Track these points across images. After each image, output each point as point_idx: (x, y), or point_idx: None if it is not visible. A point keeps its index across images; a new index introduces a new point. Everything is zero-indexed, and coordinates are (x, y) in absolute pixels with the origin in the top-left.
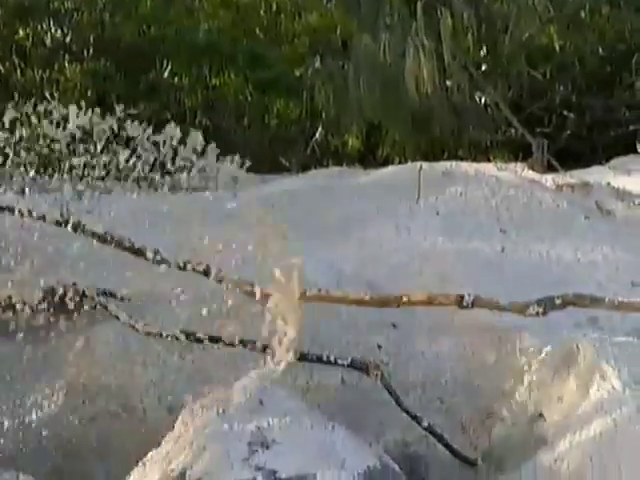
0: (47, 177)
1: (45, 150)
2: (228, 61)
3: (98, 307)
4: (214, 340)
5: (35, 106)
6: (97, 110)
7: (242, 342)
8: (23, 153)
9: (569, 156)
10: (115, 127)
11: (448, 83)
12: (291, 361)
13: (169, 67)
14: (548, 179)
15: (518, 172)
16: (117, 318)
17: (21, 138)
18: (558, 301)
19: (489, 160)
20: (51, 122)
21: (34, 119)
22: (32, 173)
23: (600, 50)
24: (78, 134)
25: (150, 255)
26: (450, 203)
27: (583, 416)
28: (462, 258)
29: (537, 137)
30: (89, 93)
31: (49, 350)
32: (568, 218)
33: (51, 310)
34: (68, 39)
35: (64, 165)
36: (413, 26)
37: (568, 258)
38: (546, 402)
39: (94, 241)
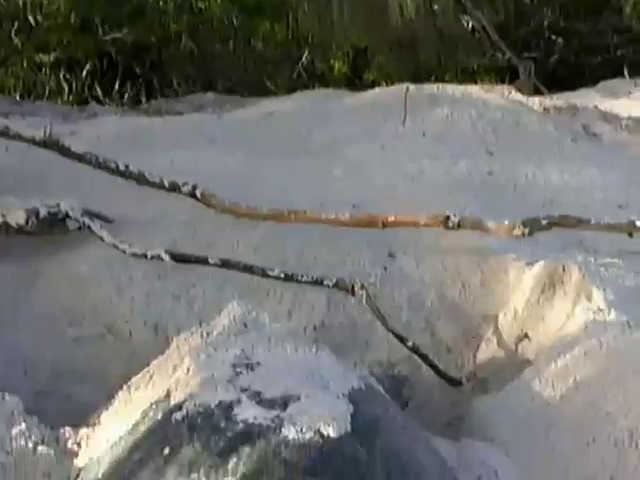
0: (31, 101)
1: (29, 74)
2: None
3: (82, 228)
4: (200, 261)
5: (18, 30)
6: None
7: (227, 263)
8: (7, 77)
9: (556, 80)
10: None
11: (435, 7)
12: None
13: None
14: (535, 102)
15: (505, 95)
16: (101, 239)
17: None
18: (544, 222)
19: (476, 83)
20: (35, 46)
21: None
22: (17, 97)
23: None
24: (62, 58)
25: (135, 176)
26: (437, 125)
27: (568, 336)
28: (448, 180)
29: (524, 61)
30: (72, 17)
31: (32, 272)
32: (555, 141)
33: (35, 232)
34: None
35: (48, 89)
36: None
37: (555, 180)
38: (531, 323)
39: (78, 163)
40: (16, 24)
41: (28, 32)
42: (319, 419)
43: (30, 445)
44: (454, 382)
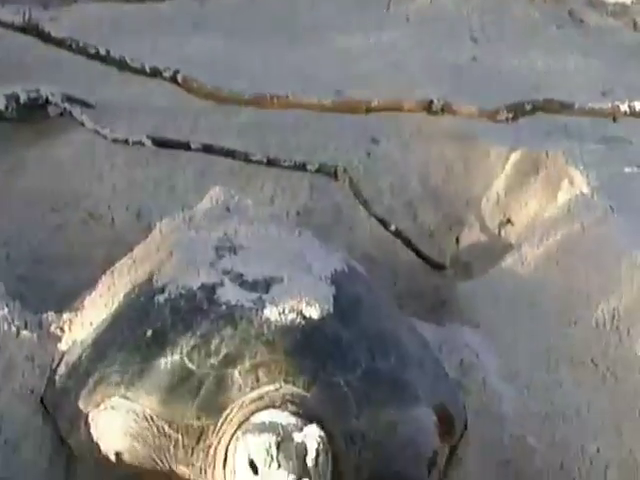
0: None
1: None
2: None
3: (64, 114)
4: (182, 146)
5: None
6: None
7: (209, 148)
8: None
9: None
10: None
11: None
12: None
13: None
14: None
15: None
16: (82, 125)
17: None
18: (528, 107)
19: None
20: None
21: None
22: None
23: None
24: None
25: (116, 62)
26: (421, 10)
27: (551, 220)
28: (432, 66)
29: None
30: None
31: (13, 159)
32: (540, 27)
33: (15, 118)
34: None
35: None
36: None
37: (539, 67)
38: (514, 208)
39: (58, 49)
40: None
41: None
42: (301, 301)
43: (13, 329)
44: (437, 266)
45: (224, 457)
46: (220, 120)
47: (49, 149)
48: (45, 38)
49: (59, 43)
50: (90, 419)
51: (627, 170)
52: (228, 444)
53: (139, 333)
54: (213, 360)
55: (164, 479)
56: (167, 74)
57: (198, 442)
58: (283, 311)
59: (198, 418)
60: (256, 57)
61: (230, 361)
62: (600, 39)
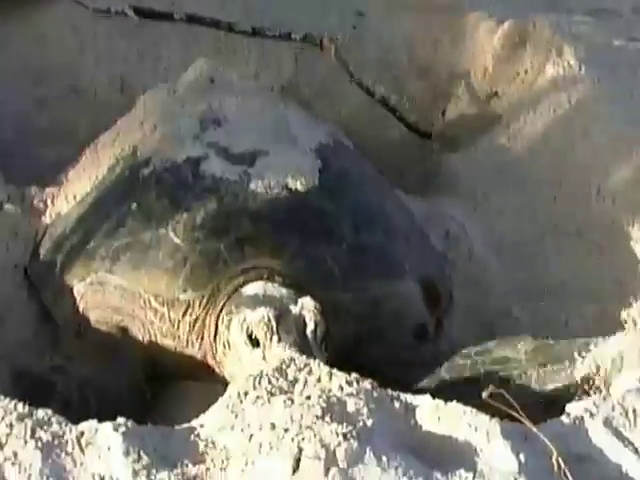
0: None
1: None
2: None
3: None
4: (165, 17)
5: None
6: None
7: (193, 18)
8: None
9: None
10: None
11: None
12: None
13: None
14: None
15: None
16: None
17: None
18: None
19: None
20: None
21: None
22: None
23: None
24: None
25: None
26: None
27: (538, 92)
28: None
29: None
30: None
31: None
32: None
33: None
34: None
35: None
36: None
37: None
38: (502, 80)
39: None
40: None
41: None
42: (287, 174)
43: None
44: (423, 134)
45: (214, 329)
46: None
47: (30, 22)
48: None
49: None
50: (75, 292)
51: (615, 42)
52: (218, 316)
53: (124, 207)
54: (198, 234)
55: (147, 351)
56: None
57: (184, 315)
58: (269, 184)
59: (184, 291)
60: None
61: (215, 235)
62: None
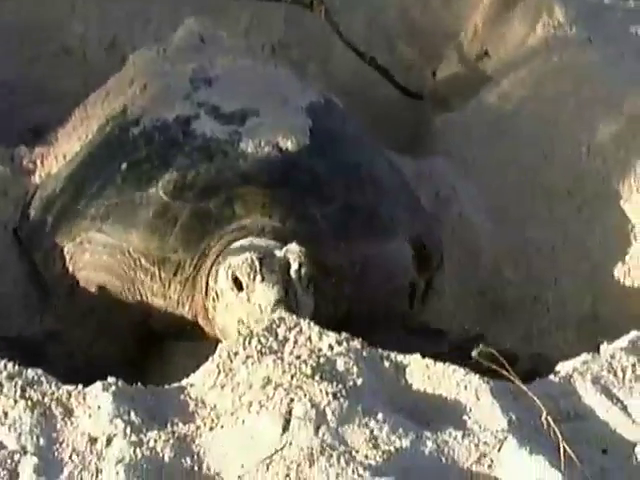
0: None
1: None
2: None
3: None
4: None
5: None
6: None
7: None
8: None
9: None
10: None
11: None
12: None
13: None
14: None
15: None
16: None
17: None
18: None
19: None
20: None
21: None
22: None
23: None
24: None
25: None
26: None
27: (529, 53)
28: None
29: None
30: None
31: None
32: None
33: None
34: None
35: None
36: None
37: None
38: (492, 40)
39: None
40: None
41: None
42: (277, 133)
43: None
44: (414, 95)
45: (205, 288)
46: None
47: None
48: None
49: None
50: (66, 252)
51: (606, 1)
52: (208, 274)
53: (114, 166)
54: (189, 193)
55: (137, 312)
56: None
57: (175, 274)
58: (259, 144)
59: (175, 251)
60: None
61: (206, 194)
62: None
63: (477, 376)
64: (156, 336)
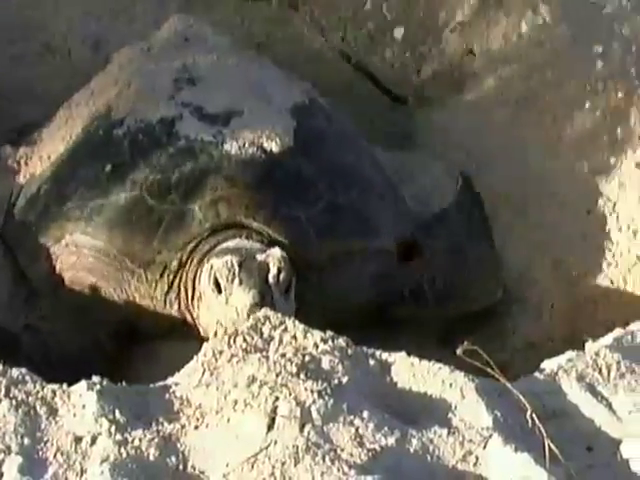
0: None
1: None
2: None
3: None
4: None
5: None
6: None
7: None
8: None
9: None
10: None
11: None
12: None
13: None
14: None
15: None
16: None
17: None
18: None
19: None
20: None
21: None
22: None
23: None
24: None
25: None
26: None
27: (513, 50)
28: None
29: None
30: None
31: None
32: None
33: None
34: None
35: None
36: None
37: None
38: (476, 38)
39: None
40: None
41: None
42: (262, 134)
43: None
44: (398, 99)
45: (192, 288)
46: None
47: None
48: None
49: None
50: (51, 254)
51: None
52: (195, 274)
53: (98, 168)
54: (173, 195)
55: (123, 312)
56: None
57: (161, 276)
58: (243, 145)
59: (159, 253)
60: None
61: (190, 196)
62: None
63: (462, 374)
64: (142, 336)
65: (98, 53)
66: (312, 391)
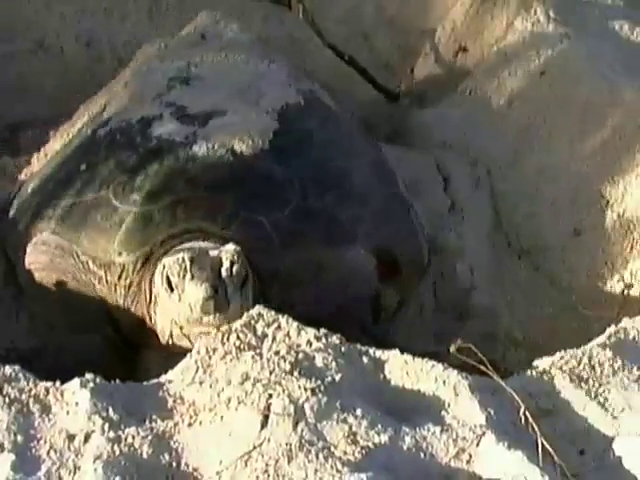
0: None
1: None
2: None
3: None
4: None
5: None
6: None
7: None
8: None
9: None
10: None
11: None
12: None
13: None
14: None
15: None
16: None
17: None
18: None
19: None
20: None
21: None
22: None
23: None
24: None
25: None
26: None
27: (507, 49)
28: None
29: None
30: None
31: None
32: None
33: None
34: None
35: None
36: None
37: None
38: (470, 36)
39: None
40: None
41: None
42: (235, 136)
43: None
44: (392, 96)
45: (148, 292)
46: None
47: None
48: None
49: None
50: (27, 252)
51: None
52: (150, 279)
53: (75, 167)
54: (136, 196)
55: (97, 313)
56: None
57: (120, 279)
58: (213, 146)
59: (119, 254)
60: None
61: (152, 198)
62: None
63: (456, 372)
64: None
65: (91, 50)
66: (305, 389)
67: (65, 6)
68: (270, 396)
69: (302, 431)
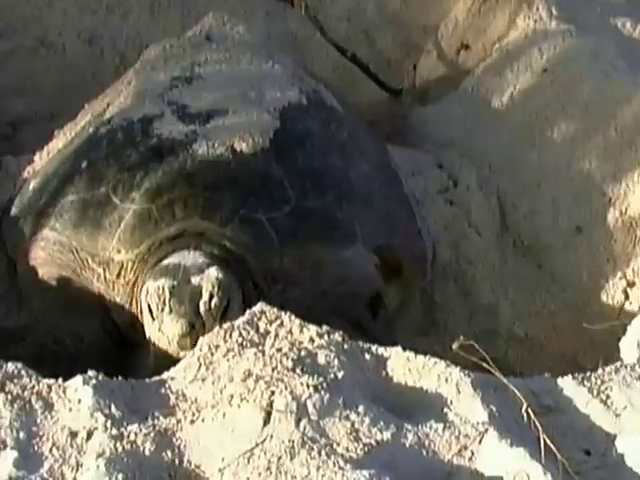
0: None
1: None
2: None
3: None
4: None
5: None
6: None
7: None
8: None
9: None
10: None
11: None
12: None
13: None
14: None
15: None
16: None
17: None
18: None
19: None
20: None
21: None
22: None
23: None
24: None
25: None
26: None
27: (509, 46)
28: None
29: None
30: None
31: None
32: None
33: None
34: None
35: None
36: None
37: None
38: (472, 33)
39: None
40: None
41: None
42: (235, 135)
43: None
44: (394, 92)
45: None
46: None
47: None
48: None
49: None
50: (27, 249)
51: None
52: (142, 284)
53: (76, 165)
54: (135, 194)
55: (98, 310)
56: None
57: (118, 277)
58: (213, 145)
59: (118, 252)
60: None
61: (150, 195)
62: None
63: (458, 369)
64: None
65: (93, 48)
66: (308, 385)
67: (67, 3)
68: (272, 393)
69: (304, 428)
